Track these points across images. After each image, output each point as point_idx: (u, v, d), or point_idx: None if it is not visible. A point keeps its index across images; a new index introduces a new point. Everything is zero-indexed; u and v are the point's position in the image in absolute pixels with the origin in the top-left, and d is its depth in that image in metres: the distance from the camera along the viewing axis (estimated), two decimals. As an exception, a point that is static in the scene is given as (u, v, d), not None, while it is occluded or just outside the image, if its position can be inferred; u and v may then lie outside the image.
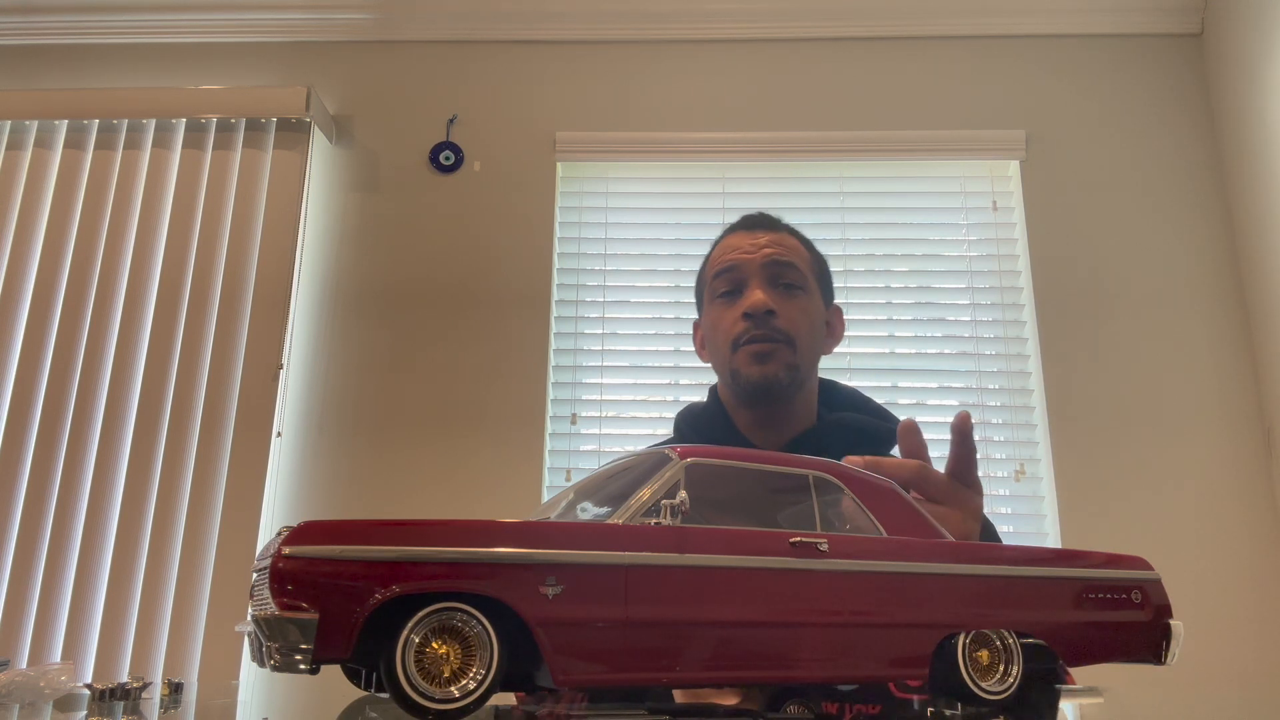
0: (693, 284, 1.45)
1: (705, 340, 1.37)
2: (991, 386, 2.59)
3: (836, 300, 1.40)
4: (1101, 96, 2.75)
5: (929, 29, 2.82)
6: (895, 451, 1.32)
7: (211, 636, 2.34)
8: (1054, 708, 0.69)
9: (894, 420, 1.33)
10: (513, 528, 0.56)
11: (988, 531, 1.16)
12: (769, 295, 1.26)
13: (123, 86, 2.82)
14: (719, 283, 1.31)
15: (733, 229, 1.37)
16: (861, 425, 1.29)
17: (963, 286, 2.66)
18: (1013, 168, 2.73)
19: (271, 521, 2.45)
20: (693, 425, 1.35)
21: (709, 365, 1.37)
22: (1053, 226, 2.65)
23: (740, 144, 2.74)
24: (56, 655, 2.34)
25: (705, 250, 1.41)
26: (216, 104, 2.71)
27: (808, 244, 1.36)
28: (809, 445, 1.23)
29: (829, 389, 1.38)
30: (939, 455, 0.98)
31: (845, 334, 1.42)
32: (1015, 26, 2.81)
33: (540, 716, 0.62)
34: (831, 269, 1.39)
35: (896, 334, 2.66)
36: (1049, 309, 2.58)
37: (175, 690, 0.99)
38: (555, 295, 2.66)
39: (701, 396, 1.41)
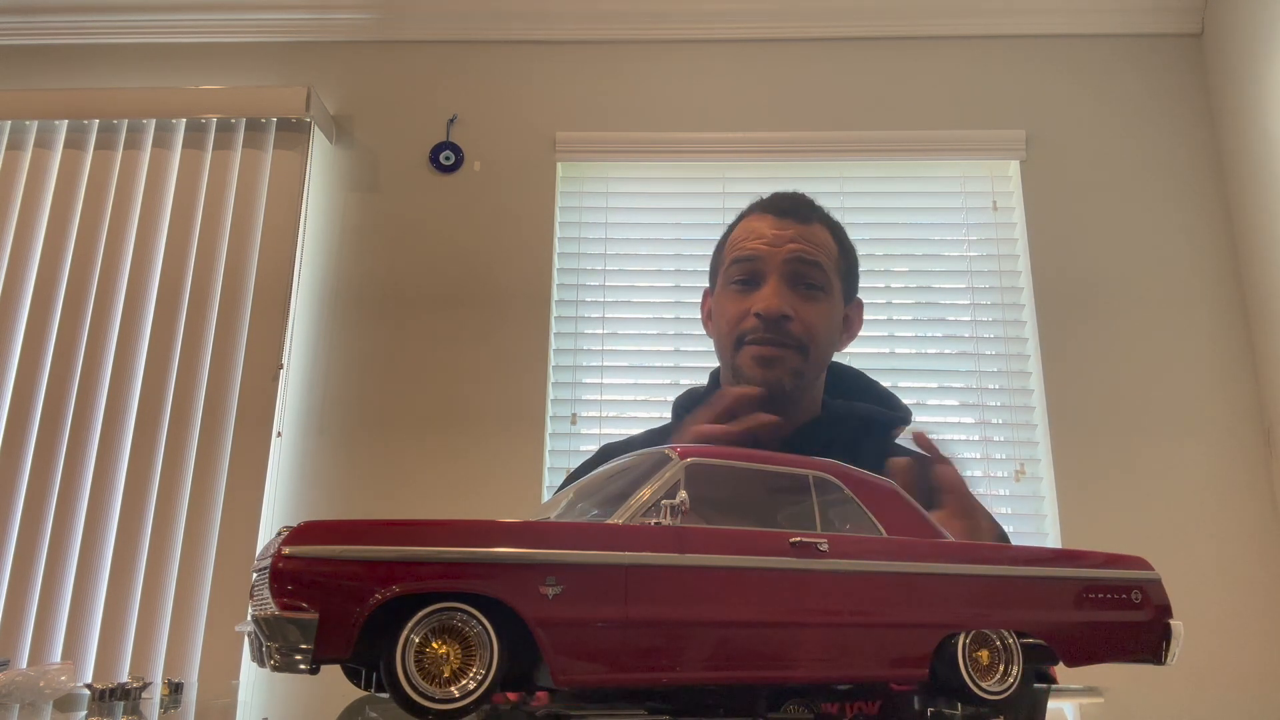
0: (693, 282, 1.43)
1: (713, 318, 1.31)
2: (991, 386, 2.59)
3: None
4: (1101, 96, 2.74)
5: (929, 29, 2.81)
6: (902, 440, 1.30)
7: (211, 636, 2.34)
8: (1041, 707, 0.69)
9: (902, 408, 1.29)
10: (513, 528, 0.56)
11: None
12: (786, 297, 1.19)
13: (123, 86, 2.81)
14: (735, 269, 1.24)
15: (761, 208, 1.28)
16: (868, 415, 1.26)
17: (963, 286, 2.66)
18: (1013, 168, 2.72)
19: (271, 521, 2.45)
20: (691, 410, 1.29)
21: (712, 340, 1.33)
22: (1053, 226, 2.65)
23: (740, 144, 2.74)
24: (56, 655, 2.34)
25: (706, 251, 1.37)
26: (216, 104, 2.71)
27: (839, 236, 1.29)
28: (813, 436, 1.20)
29: (834, 371, 1.34)
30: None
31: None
32: (1015, 26, 2.80)
33: (540, 717, 0.62)
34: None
35: (896, 334, 2.66)
36: (1049, 309, 2.58)
37: (175, 690, 0.99)
38: (555, 295, 2.66)
39: None
